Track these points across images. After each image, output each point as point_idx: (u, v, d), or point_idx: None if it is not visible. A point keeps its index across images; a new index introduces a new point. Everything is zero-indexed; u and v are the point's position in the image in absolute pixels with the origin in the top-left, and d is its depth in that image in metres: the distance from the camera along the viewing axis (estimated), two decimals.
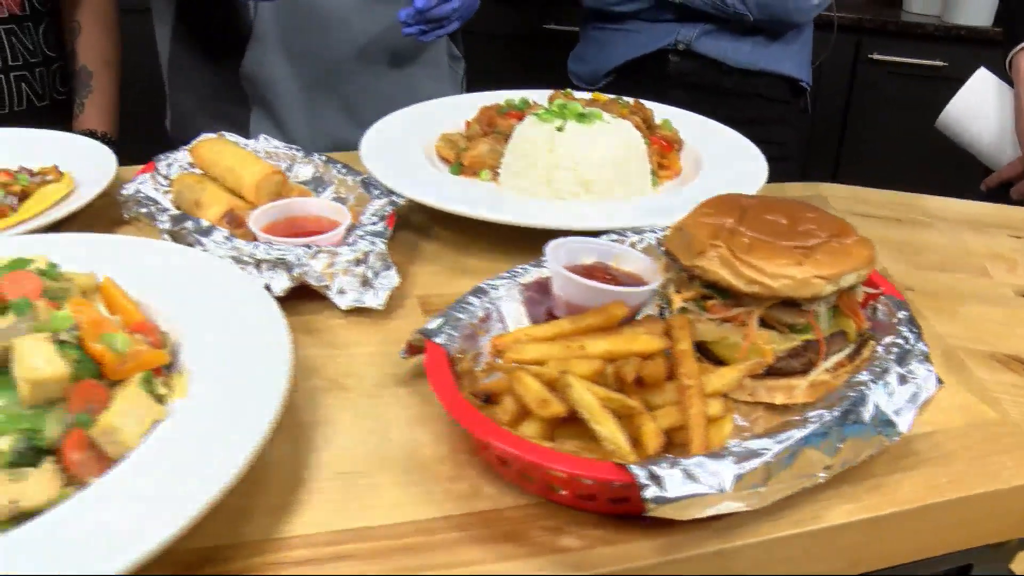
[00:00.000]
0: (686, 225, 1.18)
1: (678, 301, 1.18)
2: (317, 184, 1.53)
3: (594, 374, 1.03)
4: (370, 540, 0.94)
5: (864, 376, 1.05)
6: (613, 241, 1.29)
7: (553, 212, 1.41)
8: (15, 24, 2.09)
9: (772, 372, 1.12)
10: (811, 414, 0.99)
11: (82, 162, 1.57)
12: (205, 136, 1.55)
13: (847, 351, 1.14)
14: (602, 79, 2.52)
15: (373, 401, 1.13)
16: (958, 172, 2.45)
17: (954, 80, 2.22)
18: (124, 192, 1.39)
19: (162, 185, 1.47)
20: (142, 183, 1.41)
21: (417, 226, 1.51)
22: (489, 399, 1.06)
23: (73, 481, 0.93)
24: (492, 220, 1.37)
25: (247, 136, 2.09)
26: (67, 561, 0.80)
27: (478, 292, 1.18)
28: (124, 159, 1.67)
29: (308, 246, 1.24)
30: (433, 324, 1.11)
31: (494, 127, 1.64)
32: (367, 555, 0.92)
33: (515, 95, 1.85)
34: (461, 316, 1.13)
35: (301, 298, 1.27)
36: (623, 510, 0.97)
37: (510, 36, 2.24)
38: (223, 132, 1.60)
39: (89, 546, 0.81)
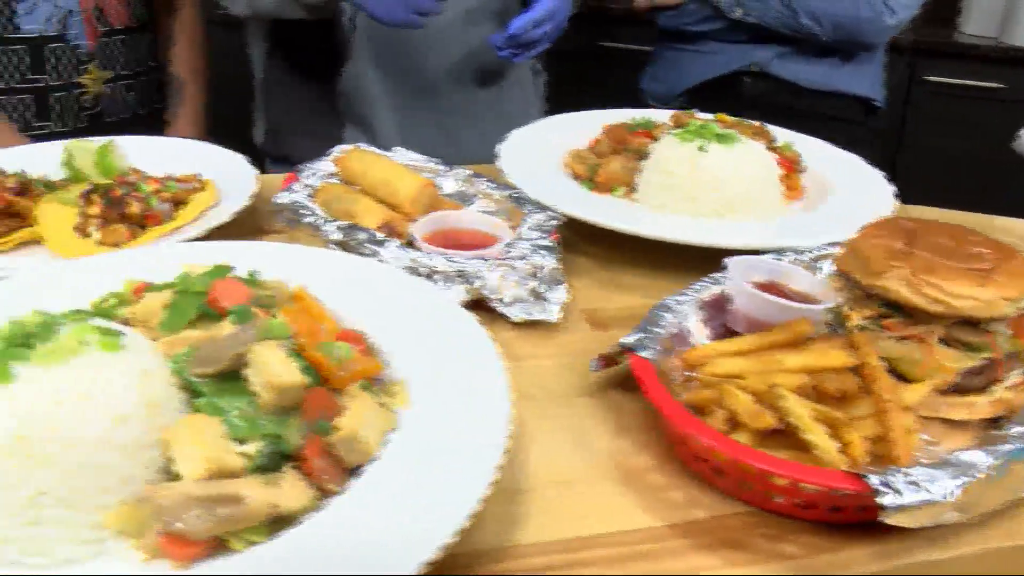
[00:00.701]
0: (859, 246, 1.23)
1: (855, 319, 1.22)
2: (461, 197, 1.55)
3: (798, 388, 1.07)
4: (603, 547, 0.97)
5: None
6: (778, 260, 1.33)
7: (708, 230, 1.45)
8: (127, 35, 2.13)
9: (953, 389, 1.17)
10: (1013, 430, 1.04)
11: (218, 171, 1.58)
12: (347, 147, 1.57)
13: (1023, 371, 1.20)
14: (675, 99, 2.57)
15: (566, 412, 1.16)
16: (1018, 193, 2.51)
17: (1011, 102, 2.29)
18: (279, 201, 1.40)
19: (307, 194, 1.48)
20: (296, 192, 1.42)
21: (563, 241, 1.54)
22: (695, 410, 1.10)
23: (316, 487, 0.95)
24: (661, 239, 1.41)
25: None
26: (359, 563, 0.82)
27: (665, 308, 1.21)
28: None
29: (485, 259, 1.26)
30: (633, 338, 1.14)
31: (625, 144, 1.68)
32: (603, 562, 0.95)
33: (634, 114, 1.90)
34: (656, 331, 1.16)
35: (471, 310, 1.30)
36: (837, 519, 1.01)
37: (566, 53, 2.27)
38: (361, 144, 1.61)
39: (377, 548, 0.84)
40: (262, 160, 2.36)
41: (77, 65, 2.03)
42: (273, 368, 0.97)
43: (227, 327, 1.05)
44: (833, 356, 1.12)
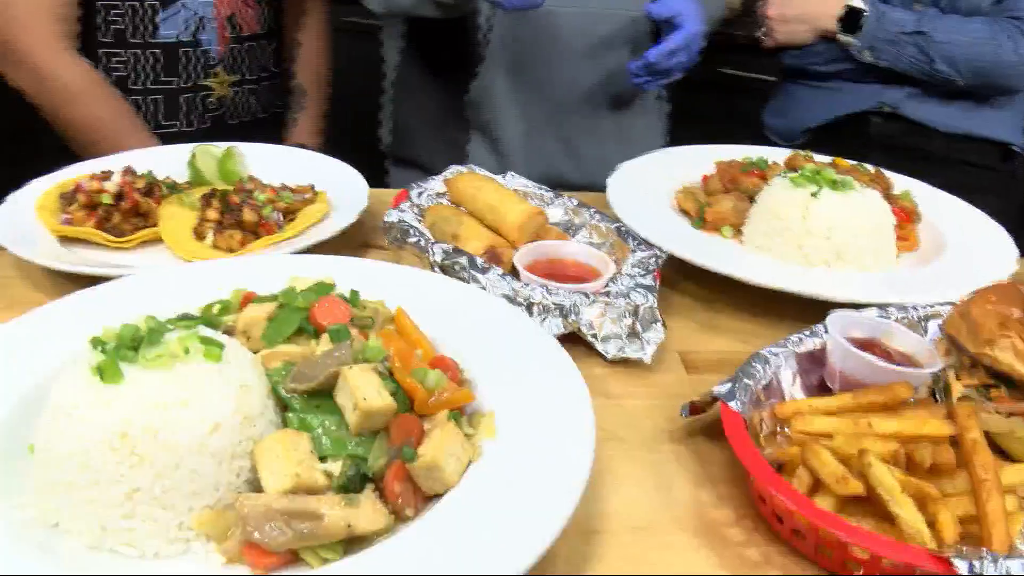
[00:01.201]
0: (971, 311, 1.19)
1: (959, 388, 1.18)
2: (567, 227, 1.55)
3: (890, 455, 1.04)
4: None
5: None
6: (882, 317, 1.29)
7: (811, 279, 1.41)
8: (254, 42, 2.22)
9: None
10: None
11: (332, 182, 1.63)
12: (458, 169, 1.59)
13: None
14: (800, 136, 2.50)
15: (652, 456, 1.15)
16: None
17: None
18: (388, 219, 1.43)
19: (415, 214, 1.51)
20: (404, 211, 1.45)
21: (665, 278, 1.53)
22: (780, 467, 1.08)
23: (392, 511, 0.97)
24: (760, 285, 1.39)
25: (463, 159, 2.17)
26: None
27: (760, 359, 1.19)
28: None
29: (585, 294, 1.27)
30: (724, 388, 1.12)
31: (736, 184, 1.66)
32: None
33: (749, 151, 1.88)
34: (749, 382, 1.14)
35: (566, 341, 1.30)
36: None
37: (690, 81, 2.24)
38: (473, 167, 1.64)
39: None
40: (384, 163, 2.43)
41: (206, 69, 2.12)
42: (363, 391, 1.00)
43: (324, 345, 1.09)
44: (931, 425, 1.08)
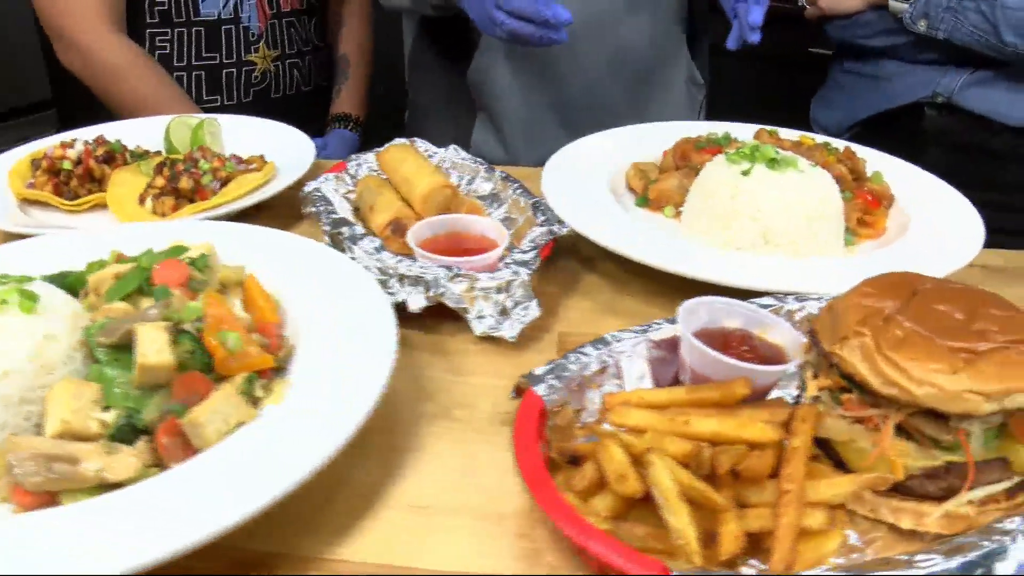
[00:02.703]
0: (838, 304, 1.05)
1: (813, 389, 1.04)
2: (493, 201, 1.51)
3: (686, 456, 0.94)
4: None
5: (1015, 523, 0.88)
6: (768, 307, 1.16)
7: (716, 263, 1.29)
8: (294, 17, 2.31)
9: (903, 491, 0.96)
10: (921, 558, 0.84)
11: (292, 154, 1.68)
12: (396, 142, 1.58)
13: (1006, 485, 0.96)
14: (847, 131, 2.24)
15: (475, 437, 1.11)
16: None
17: None
18: (305, 189, 1.45)
19: (348, 185, 1.52)
20: (323, 182, 1.46)
21: (583, 256, 1.45)
22: (576, 460, 1.00)
23: (160, 463, 0.99)
24: (643, 263, 1.29)
25: (468, 142, 2.14)
26: (113, 544, 0.85)
27: (599, 342, 1.11)
28: (370, 143, 1.78)
29: (449, 268, 1.23)
30: (540, 370, 1.06)
31: (688, 161, 1.54)
32: None
33: (723, 127, 1.73)
34: (572, 366, 1.07)
35: (442, 316, 1.27)
36: None
37: (769, 56, 2.05)
38: (415, 139, 1.62)
39: (164, 523, 0.87)
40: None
41: (248, 45, 2.21)
42: (145, 347, 1.02)
43: (145, 304, 1.12)
44: (755, 428, 0.97)
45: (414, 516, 1.00)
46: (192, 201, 1.52)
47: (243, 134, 1.79)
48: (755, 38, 1.63)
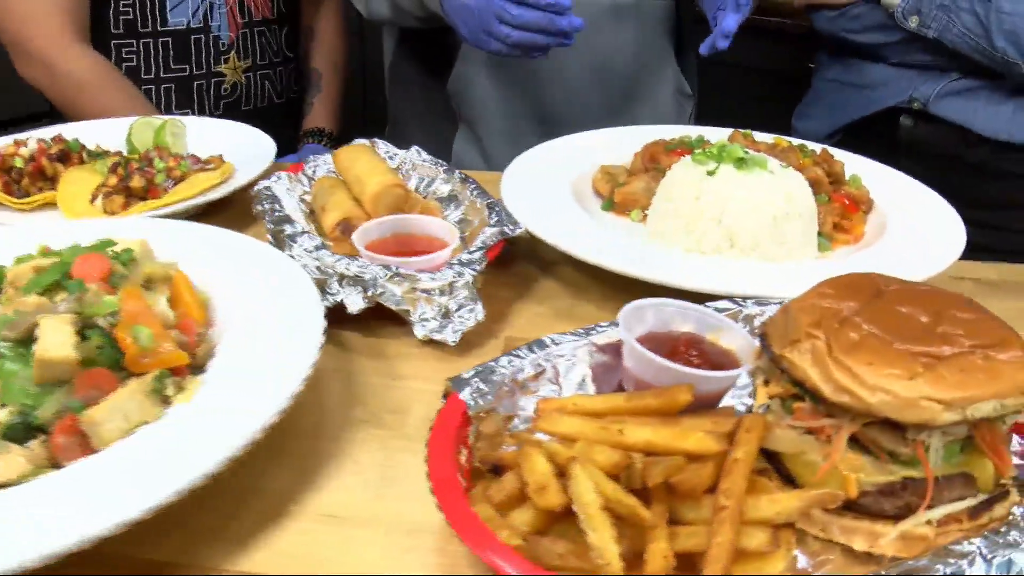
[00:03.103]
0: (793, 305, 0.96)
1: (762, 397, 0.96)
2: (451, 202, 1.44)
3: (615, 467, 0.86)
4: None
5: (974, 545, 0.79)
6: (725, 311, 1.08)
7: (676, 266, 1.21)
8: (265, 27, 2.24)
9: (856, 509, 0.87)
10: None
11: (249, 154, 1.63)
12: (355, 142, 1.53)
13: (970, 503, 0.87)
14: (826, 140, 2.11)
15: (404, 444, 1.04)
16: None
17: None
18: (256, 188, 1.39)
19: (304, 187, 1.47)
20: (275, 181, 1.41)
21: (541, 260, 1.37)
22: (500, 470, 0.92)
23: (56, 463, 0.93)
24: (597, 265, 1.21)
25: (449, 154, 2.08)
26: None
27: (536, 345, 1.03)
28: None
29: (388, 267, 1.16)
30: (468, 373, 0.98)
31: (656, 163, 1.46)
32: None
33: (697, 131, 1.66)
34: (502, 370, 1.00)
35: (385, 319, 1.20)
36: None
37: (767, 72, 1.97)
38: (376, 140, 1.57)
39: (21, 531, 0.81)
40: None
41: (218, 55, 2.15)
42: (46, 342, 0.96)
43: (60, 298, 1.06)
44: (694, 439, 0.88)
45: (326, 527, 0.92)
46: (145, 200, 1.46)
47: (210, 136, 1.74)
48: (724, 44, 1.57)
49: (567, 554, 0.83)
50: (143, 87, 2.10)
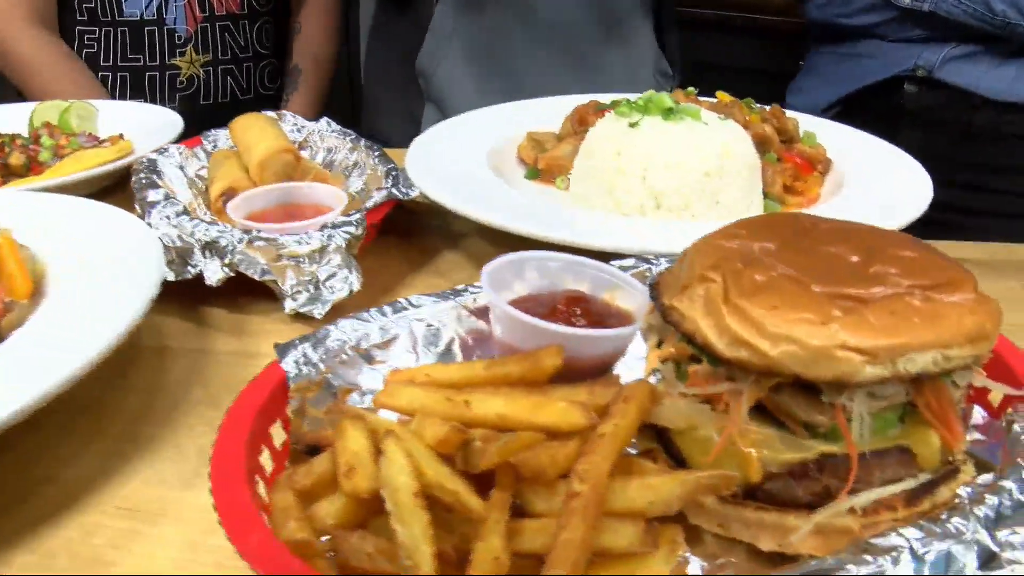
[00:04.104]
0: (691, 247, 0.77)
1: (653, 361, 0.77)
2: (355, 170, 1.30)
3: (443, 443, 0.67)
4: None
5: (907, 535, 0.59)
6: (630, 269, 0.89)
7: (588, 228, 1.03)
8: (230, 22, 2.15)
9: (762, 497, 0.68)
10: None
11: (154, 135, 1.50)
12: (255, 113, 1.39)
13: (908, 485, 0.67)
14: (821, 114, 1.89)
15: None
16: None
17: None
18: (136, 160, 1.25)
19: (201, 161, 1.34)
20: (160, 155, 1.27)
21: (453, 232, 1.22)
22: (317, 450, 0.74)
23: None
24: (500, 228, 1.04)
25: (417, 130, 1.95)
26: None
27: (389, 307, 0.86)
28: None
29: (248, 231, 1.00)
30: (298, 340, 0.81)
31: (586, 126, 1.28)
32: None
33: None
34: (341, 335, 0.82)
35: (260, 294, 1.05)
36: None
37: (759, 71, 1.83)
38: (285, 112, 1.46)
39: None
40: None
41: (173, 48, 2.07)
42: None
43: None
44: (555, 410, 0.70)
45: (118, 522, 0.77)
46: (24, 176, 1.35)
47: (126, 119, 1.63)
48: None
49: (377, 554, 0.65)
50: (100, 75, 2.06)
